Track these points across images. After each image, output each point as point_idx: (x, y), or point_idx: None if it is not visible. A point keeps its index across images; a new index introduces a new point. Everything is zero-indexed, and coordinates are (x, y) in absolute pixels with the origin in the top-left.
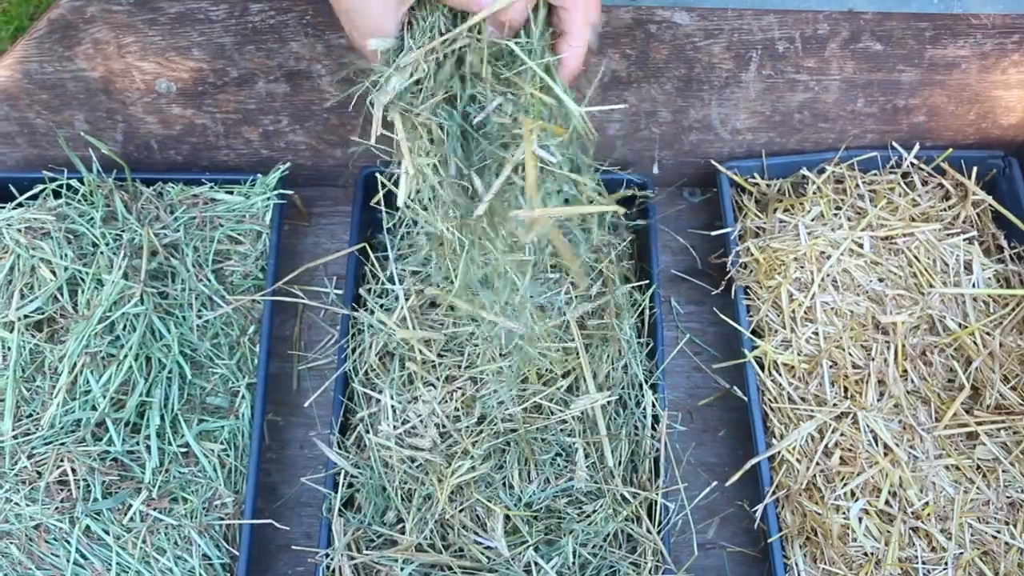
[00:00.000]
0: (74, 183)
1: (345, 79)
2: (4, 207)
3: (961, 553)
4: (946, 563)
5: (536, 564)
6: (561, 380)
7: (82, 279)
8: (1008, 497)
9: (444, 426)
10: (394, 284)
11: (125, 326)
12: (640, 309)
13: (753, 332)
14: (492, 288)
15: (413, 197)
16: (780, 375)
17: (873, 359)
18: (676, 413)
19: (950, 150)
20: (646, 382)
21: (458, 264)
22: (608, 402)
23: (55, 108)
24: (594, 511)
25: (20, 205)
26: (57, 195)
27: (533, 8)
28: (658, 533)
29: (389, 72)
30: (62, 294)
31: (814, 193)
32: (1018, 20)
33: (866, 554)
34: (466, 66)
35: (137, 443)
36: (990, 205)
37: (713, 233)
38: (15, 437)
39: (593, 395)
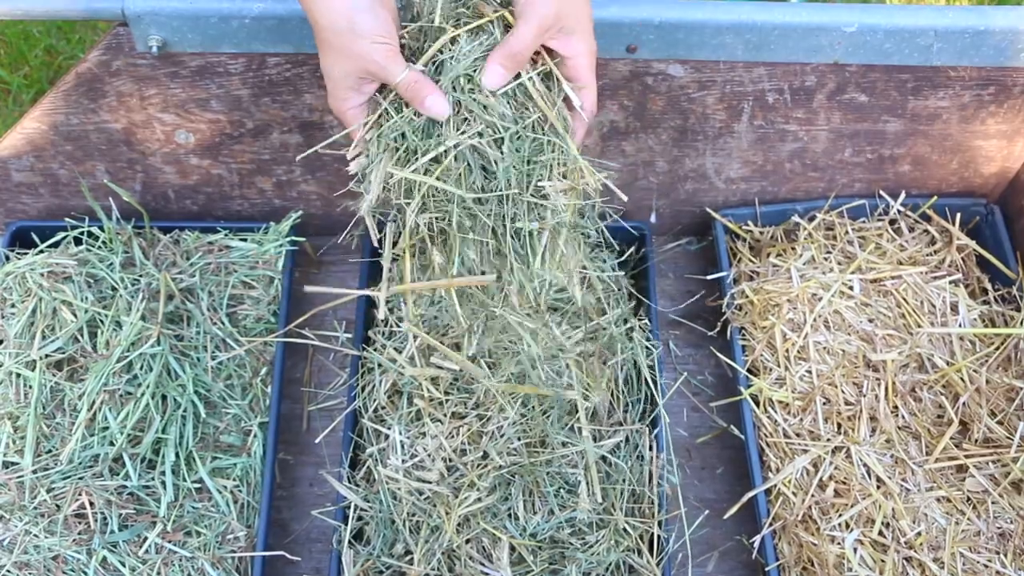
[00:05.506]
0: (95, 230)
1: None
2: (27, 253)
3: None
4: None
5: None
6: (567, 417)
7: (101, 321)
8: (998, 528)
9: (451, 459)
10: (397, 320)
11: (142, 366)
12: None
13: (748, 371)
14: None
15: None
16: (775, 411)
17: (864, 395)
18: (674, 458)
19: (935, 198)
20: (646, 419)
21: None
22: (609, 437)
23: (78, 159)
24: (596, 542)
25: (42, 252)
26: (78, 242)
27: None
28: (657, 564)
29: (366, 184)
30: (82, 335)
31: (805, 239)
32: (993, 72)
33: None
34: None
35: (153, 478)
36: (974, 250)
37: (709, 277)
38: (35, 471)
39: (592, 424)
